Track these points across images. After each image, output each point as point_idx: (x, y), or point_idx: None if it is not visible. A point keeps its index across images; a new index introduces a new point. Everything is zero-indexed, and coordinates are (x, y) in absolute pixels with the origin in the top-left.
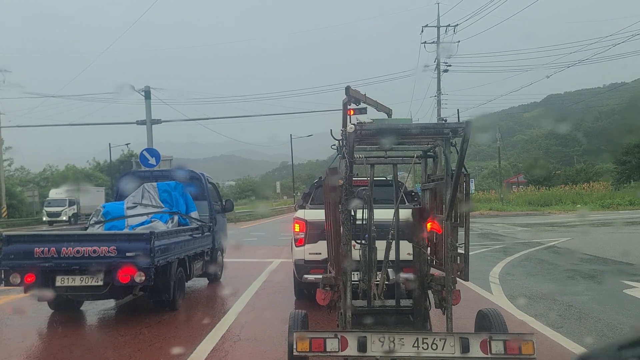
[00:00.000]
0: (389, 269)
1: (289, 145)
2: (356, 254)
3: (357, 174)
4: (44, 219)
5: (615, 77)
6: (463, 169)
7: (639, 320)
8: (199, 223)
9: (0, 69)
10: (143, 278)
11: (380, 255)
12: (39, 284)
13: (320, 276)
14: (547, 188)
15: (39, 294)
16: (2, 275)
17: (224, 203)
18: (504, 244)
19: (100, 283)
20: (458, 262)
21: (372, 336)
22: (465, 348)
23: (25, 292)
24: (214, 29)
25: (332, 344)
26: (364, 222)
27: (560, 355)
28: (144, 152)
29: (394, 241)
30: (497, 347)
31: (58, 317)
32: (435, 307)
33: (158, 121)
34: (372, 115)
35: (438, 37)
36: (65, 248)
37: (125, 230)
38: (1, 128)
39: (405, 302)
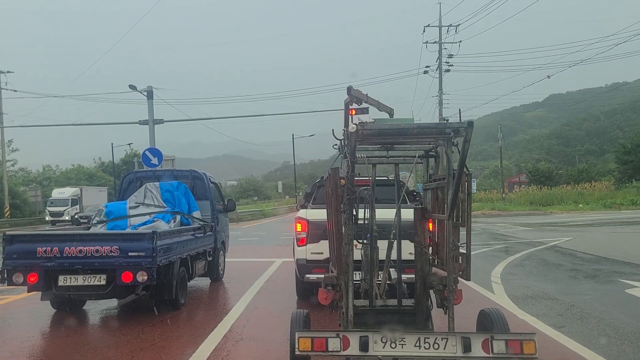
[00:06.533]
0: (390, 269)
1: (291, 145)
2: (358, 253)
3: (359, 174)
4: (47, 218)
5: (617, 77)
6: (465, 169)
7: None
8: (201, 223)
9: (2, 70)
10: (145, 278)
11: (382, 255)
12: (42, 284)
13: (322, 276)
14: (549, 188)
15: (41, 294)
16: (5, 275)
17: (226, 203)
18: (506, 244)
19: (103, 283)
20: (460, 261)
21: (374, 336)
22: (467, 348)
23: (28, 291)
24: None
25: (334, 344)
26: (366, 222)
27: (562, 355)
28: (147, 152)
29: (395, 241)
30: (498, 346)
31: (61, 317)
32: (437, 307)
33: (160, 121)
34: (373, 115)
35: (440, 37)
36: (67, 248)
37: (128, 230)
38: (4, 128)
39: (407, 302)
